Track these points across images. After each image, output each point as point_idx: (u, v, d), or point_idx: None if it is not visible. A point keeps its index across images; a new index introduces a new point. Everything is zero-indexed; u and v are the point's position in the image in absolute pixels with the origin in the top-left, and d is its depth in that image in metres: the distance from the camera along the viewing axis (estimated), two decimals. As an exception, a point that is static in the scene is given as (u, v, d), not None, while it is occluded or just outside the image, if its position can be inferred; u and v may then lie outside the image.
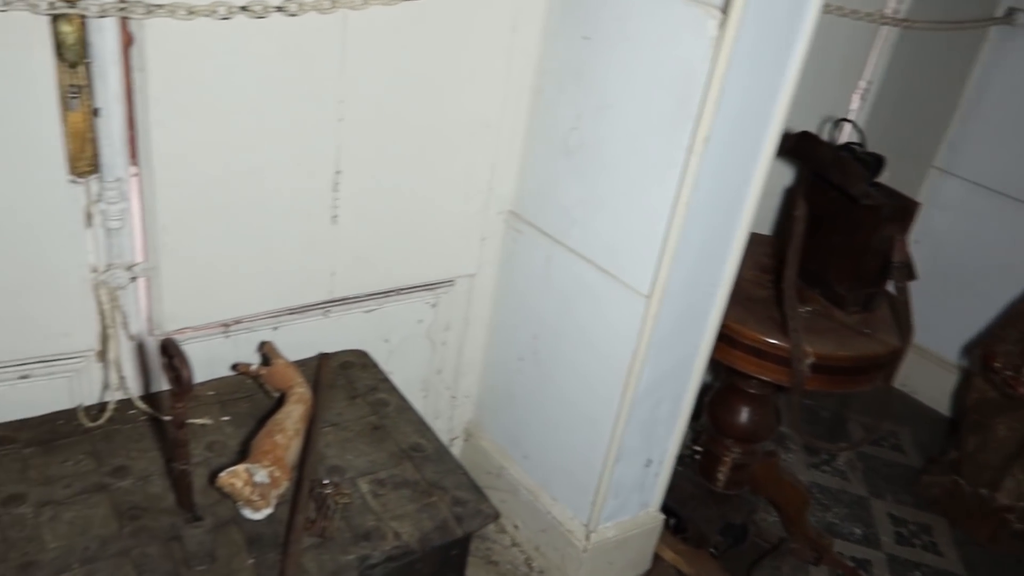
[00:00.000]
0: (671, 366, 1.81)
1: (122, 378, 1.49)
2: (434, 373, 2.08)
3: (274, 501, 1.32)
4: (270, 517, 1.33)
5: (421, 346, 2.01)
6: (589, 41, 1.67)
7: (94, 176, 1.37)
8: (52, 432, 1.45)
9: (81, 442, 1.43)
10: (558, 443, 1.98)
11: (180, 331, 1.57)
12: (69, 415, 1.49)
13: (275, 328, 1.72)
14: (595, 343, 1.81)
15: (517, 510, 2.11)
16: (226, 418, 1.55)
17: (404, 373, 1.96)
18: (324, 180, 1.59)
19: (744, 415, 2.19)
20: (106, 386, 1.55)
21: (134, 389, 1.57)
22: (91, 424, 1.46)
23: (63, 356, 1.48)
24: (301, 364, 1.72)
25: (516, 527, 2.13)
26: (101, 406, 1.52)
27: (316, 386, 1.65)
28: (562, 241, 1.83)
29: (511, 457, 2.15)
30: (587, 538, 1.95)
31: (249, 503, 1.31)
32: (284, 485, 1.35)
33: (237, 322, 1.66)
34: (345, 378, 1.73)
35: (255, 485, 1.30)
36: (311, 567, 1.27)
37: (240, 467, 1.30)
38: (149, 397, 1.56)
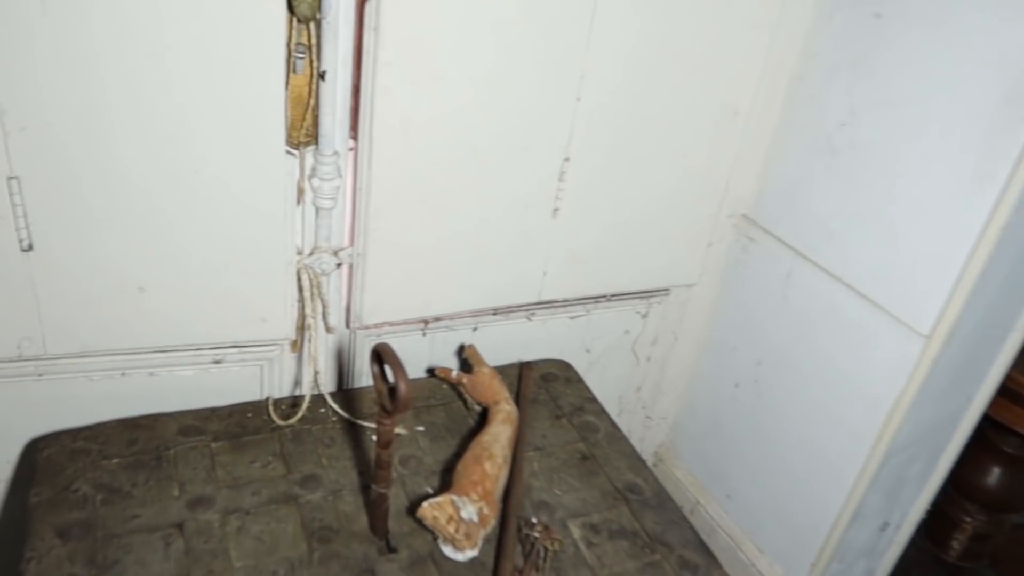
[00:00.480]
0: (938, 419, 1.49)
1: (317, 373, 1.35)
2: (633, 390, 1.85)
3: (480, 543, 1.13)
4: (472, 559, 1.14)
5: (624, 359, 1.78)
6: (880, 20, 1.37)
7: (310, 148, 1.21)
8: (241, 426, 1.32)
9: (270, 441, 1.30)
10: (775, 488, 1.70)
11: (378, 325, 1.41)
12: (258, 408, 1.36)
13: (474, 329, 1.54)
14: (841, 381, 1.52)
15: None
16: (420, 428, 1.38)
17: (601, 387, 1.73)
18: (551, 167, 1.38)
19: (995, 477, 1.84)
20: (298, 381, 1.41)
21: (326, 385, 1.42)
22: (282, 422, 1.32)
23: (258, 343, 1.35)
24: (499, 371, 1.53)
25: (709, 574, 1.87)
26: (292, 401, 1.38)
27: (518, 400, 1.45)
28: (809, 257, 1.54)
29: (709, 493, 1.89)
30: (801, 601, 1.67)
31: (452, 541, 1.13)
32: (491, 524, 1.16)
33: (437, 319, 1.48)
34: (547, 392, 1.52)
35: (461, 521, 1.11)
36: (520, 629, 1.08)
37: (445, 499, 1.12)
38: (342, 394, 1.41)
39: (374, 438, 1.32)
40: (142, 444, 1.25)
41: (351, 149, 1.25)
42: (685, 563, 1.22)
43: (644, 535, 1.25)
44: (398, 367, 0.99)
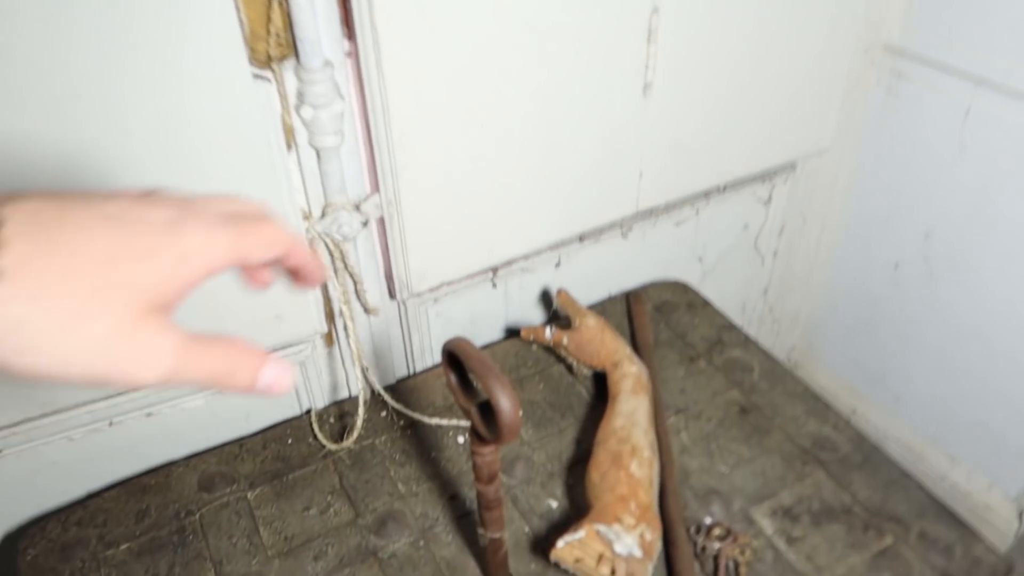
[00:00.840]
0: None
1: (365, 369, 0.99)
2: (758, 294, 1.46)
3: (649, 575, 0.78)
4: (640, 600, 0.80)
5: (745, 260, 1.39)
6: None
7: (288, 64, 0.82)
8: (281, 459, 0.98)
9: (324, 473, 0.96)
10: (962, 385, 1.33)
11: (433, 290, 1.04)
12: (299, 429, 1.01)
13: (557, 264, 1.16)
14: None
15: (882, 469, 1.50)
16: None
17: (720, 300, 1.35)
18: (636, 25, 0.95)
19: None
20: (341, 382, 1.06)
21: (380, 379, 1.07)
22: (334, 446, 0.97)
23: (278, 348, 0.99)
24: (598, 310, 1.15)
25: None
26: (340, 410, 1.03)
27: (636, 349, 1.08)
28: (997, 81, 1.11)
29: (869, 398, 1.52)
30: (1020, 518, 1.32)
31: (609, 588, 0.78)
32: (658, 549, 0.81)
33: (508, 263, 1.10)
34: (668, 327, 1.14)
35: (618, 559, 0.76)
36: None
37: (589, 530, 0.77)
38: (403, 387, 1.06)
39: (461, 440, 0.97)
40: (155, 514, 0.92)
41: (349, 54, 0.85)
42: (931, 542, 0.86)
43: (861, 509, 0.89)
44: (490, 374, 0.61)
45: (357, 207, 0.92)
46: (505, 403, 0.62)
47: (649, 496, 0.82)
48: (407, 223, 0.95)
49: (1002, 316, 1.21)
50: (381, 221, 0.96)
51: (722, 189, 1.24)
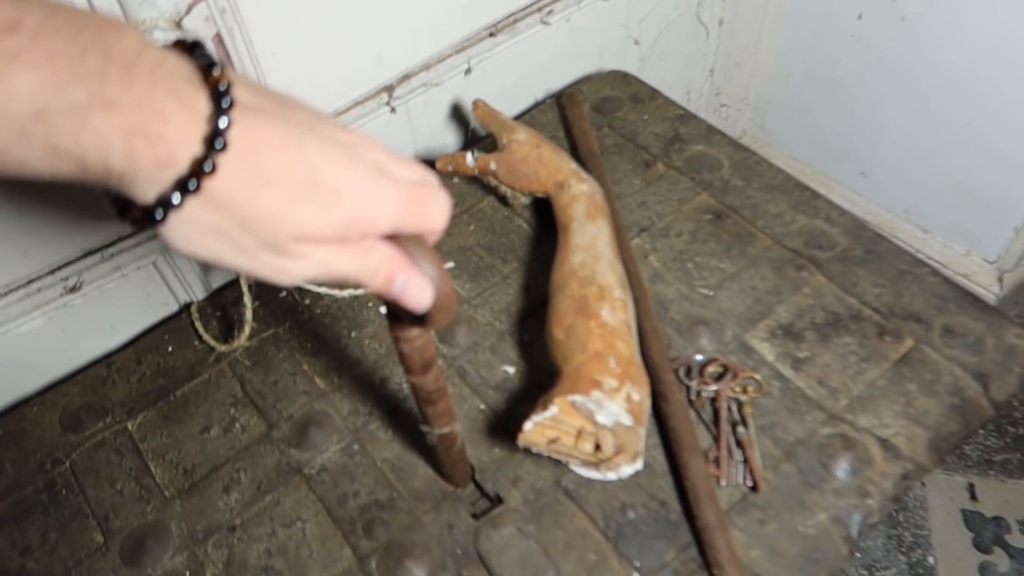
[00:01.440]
0: None
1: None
2: (704, 75, 1.26)
3: (643, 446, 0.63)
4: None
5: (687, 36, 1.16)
6: None
7: None
8: (163, 373, 0.77)
9: (221, 381, 0.76)
10: (937, 151, 1.18)
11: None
12: (179, 332, 0.80)
13: (467, 71, 0.92)
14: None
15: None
16: (449, 265, 0.82)
17: (661, 88, 1.15)
18: None
19: None
20: (210, 266, 0.84)
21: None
22: (226, 348, 0.77)
23: (128, 236, 0.75)
24: (524, 120, 0.93)
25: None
26: (224, 299, 0.82)
27: (580, 161, 0.88)
28: None
29: (832, 177, 1.37)
30: (1000, 282, 1.23)
31: (597, 466, 0.63)
32: (648, 407, 0.65)
33: (406, 78, 0.86)
34: (615, 130, 0.94)
35: (602, 430, 0.60)
36: (761, 561, 0.61)
37: (561, 403, 0.60)
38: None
39: (384, 311, 0.78)
40: (11, 471, 0.72)
41: None
42: (957, 337, 0.72)
43: (871, 312, 0.75)
44: (413, 243, 0.41)
45: (177, 24, 0.66)
46: (429, 271, 0.42)
47: (629, 346, 0.65)
48: (254, 37, 0.69)
49: (990, 51, 1.04)
50: (219, 40, 0.70)
51: (655, -54, 0.99)
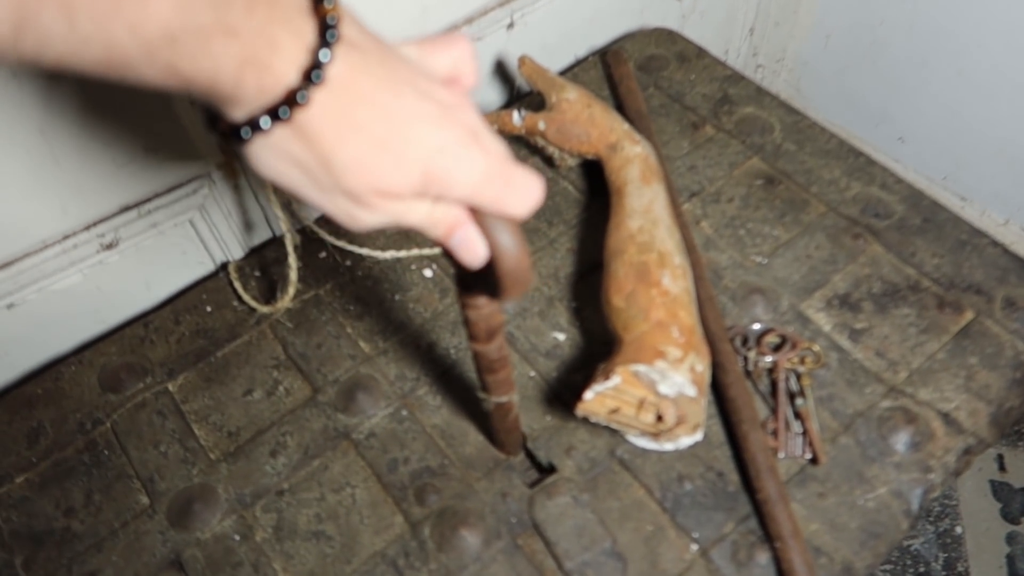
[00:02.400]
0: None
1: (289, 207, 0.74)
2: (743, 35, 1.22)
3: (705, 417, 0.61)
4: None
5: (730, -6, 1.12)
6: None
7: None
8: (204, 335, 0.75)
9: (262, 343, 0.74)
10: (976, 115, 1.15)
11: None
12: (218, 292, 0.78)
13: (509, 25, 0.89)
14: None
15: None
16: (493, 227, 0.80)
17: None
18: None
19: None
20: (257, 221, 0.82)
21: (310, 210, 0.82)
22: (268, 309, 0.75)
23: (163, 192, 0.73)
24: (567, 76, 0.90)
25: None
26: (264, 259, 0.80)
27: (628, 122, 0.85)
28: None
29: (867, 143, 1.34)
30: (1039, 251, 1.21)
31: (657, 437, 0.62)
32: (708, 377, 0.63)
33: (448, 30, 0.83)
34: (662, 90, 0.91)
35: (664, 401, 0.59)
36: (821, 534, 0.60)
37: (623, 372, 0.58)
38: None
39: (429, 274, 0.76)
40: (51, 432, 0.70)
41: None
42: (1020, 309, 0.71)
43: (930, 283, 0.73)
44: (489, 220, 0.39)
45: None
46: (506, 242, 0.40)
47: (691, 315, 0.63)
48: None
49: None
50: None
51: None
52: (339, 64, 0.31)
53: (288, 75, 0.30)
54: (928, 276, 0.73)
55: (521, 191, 0.38)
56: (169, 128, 0.69)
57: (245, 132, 0.32)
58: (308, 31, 0.31)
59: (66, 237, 0.71)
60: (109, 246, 0.73)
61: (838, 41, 1.27)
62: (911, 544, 1.01)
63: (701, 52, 0.94)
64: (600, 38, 0.99)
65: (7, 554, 0.64)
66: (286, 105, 0.31)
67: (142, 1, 0.27)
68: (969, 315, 0.71)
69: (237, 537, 0.63)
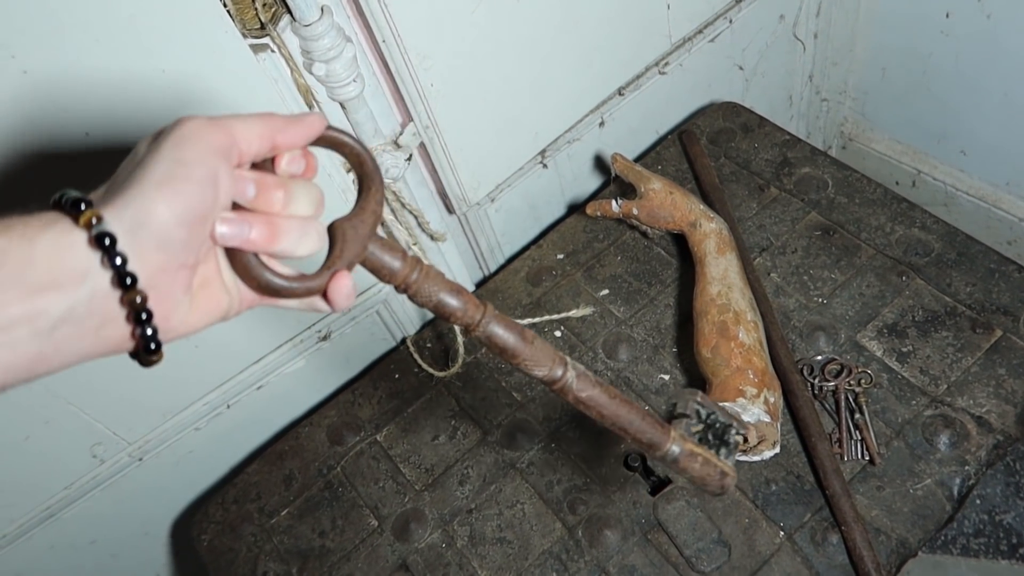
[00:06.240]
0: None
1: (449, 294, 0.99)
2: (804, 81, 1.39)
3: (779, 434, 0.82)
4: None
5: (786, 53, 1.30)
6: None
7: (284, 23, 0.75)
8: (395, 395, 1.01)
9: (440, 399, 0.99)
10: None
11: (489, 193, 1.01)
12: (400, 362, 1.03)
13: (601, 124, 1.10)
14: None
15: (960, 224, 1.49)
16: (604, 292, 1.02)
17: (765, 100, 1.30)
18: None
19: None
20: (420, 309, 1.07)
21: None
22: (440, 373, 1.00)
23: (359, 291, 0.99)
24: (651, 155, 1.12)
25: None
26: (432, 332, 1.05)
27: (703, 191, 1.05)
28: None
29: (933, 157, 1.48)
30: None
31: (744, 452, 0.82)
32: (781, 404, 0.84)
33: (554, 141, 1.05)
34: (731, 159, 1.11)
35: (748, 426, 0.79)
36: (880, 518, 0.79)
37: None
38: (486, 291, 1.06)
39: (558, 335, 0.98)
40: (300, 477, 0.97)
41: (344, -11, 0.77)
42: (1041, 326, 0.87)
43: (965, 310, 0.90)
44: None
45: (396, 144, 0.87)
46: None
47: (763, 359, 0.83)
48: (448, 141, 0.90)
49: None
50: (422, 147, 0.91)
51: (753, -11, 1.14)
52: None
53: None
54: (963, 302, 0.90)
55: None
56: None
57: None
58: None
59: (294, 336, 0.98)
60: (324, 338, 1.00)
61: (893, 73, 1.42)
62: (1003, 519, 1.18)
63: (762, 121, 1.13)
64: (677, 115, 1.19)
65: (286, 566, 0.91)
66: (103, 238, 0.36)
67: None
68: (998, 333, 0.87)
69: (444, 545, 0.88)
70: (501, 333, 0.51)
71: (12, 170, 0.66)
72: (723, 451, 0.56)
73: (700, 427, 0.57)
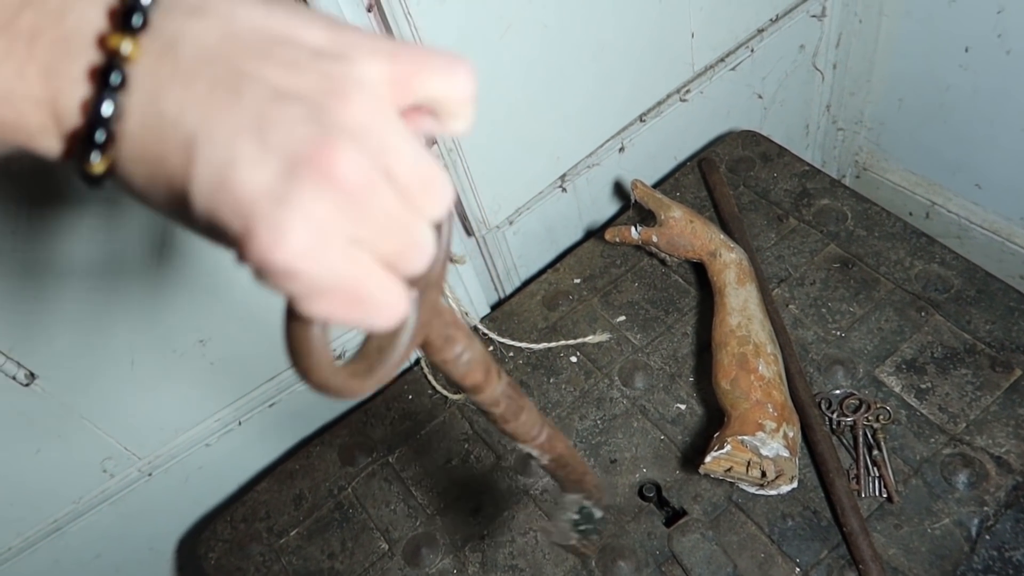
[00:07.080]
0: None
1: (464, 314, 0.99)
2: (821, 111, 1.39)
3: (797, 469, 0.81)
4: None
5: (805, 83, 1.30)
6: None
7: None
8: (408, 417, 1.00)
9: (452, 422, 0.98)
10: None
11: (508, 216, 1.01)
12: (415, 383, 1.03)
13: (621, 150, 1.10)
14: None
15: (972, 257, 1.49)
16: (621, 319, 1.02)
17: (783, 128, 1.30)
18: None
19: None
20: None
21: (477, 311, 1.06)
22: (455, 396, 0.99)
23: (377, 315, 0.98)
24: (670, 181, 1.12)
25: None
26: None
27: (722, 219, 1.05)
28: None
29: (947, 189, 1.48)
30: (1117, 280, 1.32)
31: (763, 487, 0.82)
32: (799, 439, 0.83)
33: (574, 165, 1.05)
34: (750, 188, 1.10)
35: (765, 460, 0.79)
36: (897, 557, 0.78)
37: (733, 443, 0.79)
38: (500, 316, 1.06)
39: (574, 360, 0.98)
40: (310, 497, 0.97)
41: (370, 7, 0.77)
42: (1062, 367, 0.86)
43: (985, 347, 0.89)
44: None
45: (420, 167, 0.87)
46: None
47: (782, 393, 0.83)
48: (471, 164, 0.90)
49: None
50: (444, 170, 0.91)
51: (775, 19, 1.14)
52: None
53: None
54: (982, 340, 0.90)
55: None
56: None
57: (99, 135, 0.27)
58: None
59: (309, 353, 0.97)
60: (338, 357, 0.99)
61: (910, 104, 1.42)
62: (1012, 555, 1.17)
63: (781, 150, 1.13)
64: (696, 142, 1.19)
65: (295, 587, 0.90)
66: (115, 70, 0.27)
67: None
68: (1018, 372, 0.87)
69: (455, 571, 0.87)
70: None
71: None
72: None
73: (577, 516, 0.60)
